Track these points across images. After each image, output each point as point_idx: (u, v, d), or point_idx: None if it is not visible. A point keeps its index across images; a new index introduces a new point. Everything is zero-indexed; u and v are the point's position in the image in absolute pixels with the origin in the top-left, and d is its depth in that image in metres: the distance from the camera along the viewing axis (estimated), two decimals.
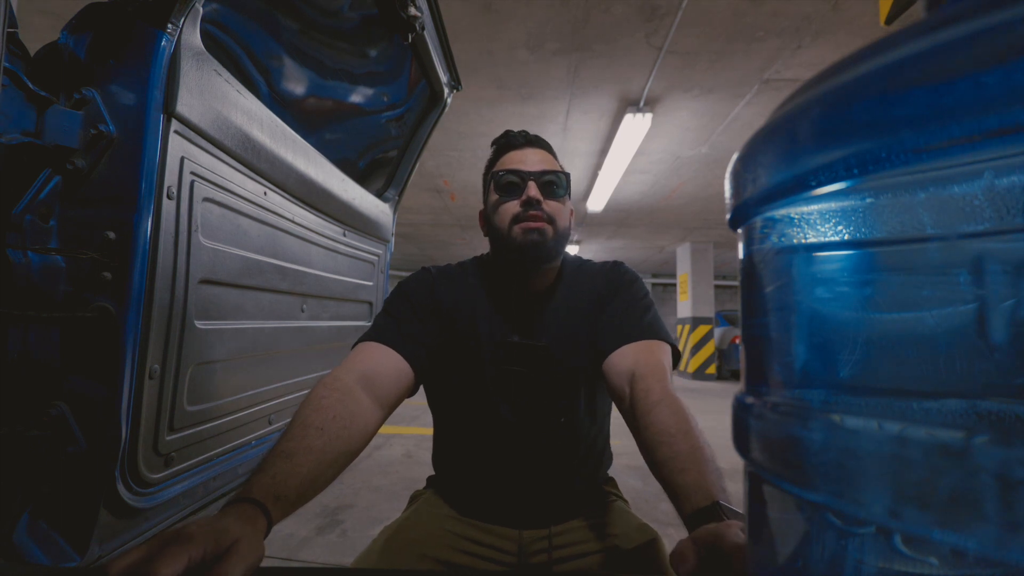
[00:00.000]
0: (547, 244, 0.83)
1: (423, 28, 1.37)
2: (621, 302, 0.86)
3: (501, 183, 0.85)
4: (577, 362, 0.86)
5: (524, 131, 0.91)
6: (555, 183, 0.85)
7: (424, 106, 1.72)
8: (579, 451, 0.89)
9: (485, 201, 0.91)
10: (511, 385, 0.85)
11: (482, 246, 10.19)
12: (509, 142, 0.90)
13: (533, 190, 0.83)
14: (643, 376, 0.72)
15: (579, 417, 0.88)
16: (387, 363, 0.77)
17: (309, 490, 0.58)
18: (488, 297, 0.89)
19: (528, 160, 0.86)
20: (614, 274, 0.91)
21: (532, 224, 0.82)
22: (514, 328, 0.87)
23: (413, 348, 0.80)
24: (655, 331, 0.81)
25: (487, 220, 0.90)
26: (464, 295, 0.89)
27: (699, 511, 0.53)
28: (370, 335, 0.81)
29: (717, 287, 12.64)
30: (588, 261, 0.96)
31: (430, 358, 0.83)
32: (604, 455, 0.96)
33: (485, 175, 0.92)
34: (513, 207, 0.84)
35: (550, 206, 0.84)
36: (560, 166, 0.90)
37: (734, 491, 0.49)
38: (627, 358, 0.77)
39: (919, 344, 0.21)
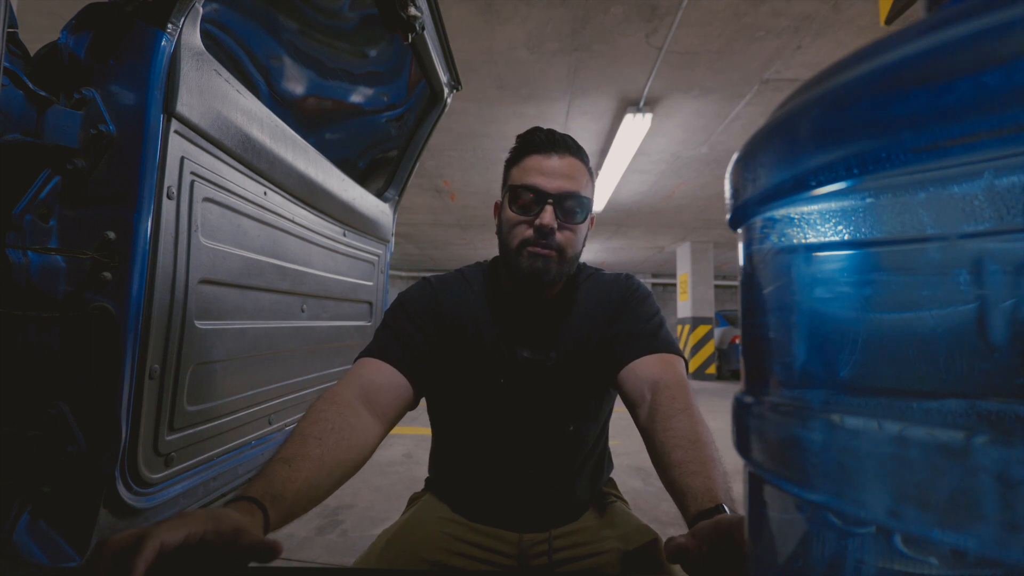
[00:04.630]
0: (551, 273, 0.81)
1: (423, 28, 1.37)
2: (635, 314, 0.86)
3: (517, 198, 0.81)
4: (584, 368, 0.86)
5: (552, 131, 0.83)
6: (575, 209, 0.81)
7: (424, 106, 1.72)
8: (581, 454, 0.89)
9: (503, 197, 0.88)
10: (516, 390, 0.85)
11: (483, 245, 10.19)
12: (533, 142, 0.83)
13: (548, 216, 0.79)
14: (668, 385, 0.74)
15: (582, 420, 0.88)
16: (386, 379, 0.77)
17: (306, 495, 0.58)
18: (493, 305, 0.88)
19: (551, 171, 0.80)
20: (628, 286, 0.91)
21: (539, 251, 0.80)
22: (522, 340, 0.86)
23: (412, 363, 0.80)
24: (671, 346, 0.82)
25: (499, 224, 0.87)
26: (467, 303, 0.88)
27: (704, 512, 0.55)
28: (370, 350, 0.81)
29: (717, 287, 12.63)
30: (599, 271, 0.95)
31: (431, 367, 0.83)
32: (605, 458, 0.96)
33: (506, 167, 0.88)
34: (525, 230, 0.81)
35: (564, 235, 0.81)
36: (588, 170, 0.85)
37: (736, 493, 0.50)
38: (650, 368, 0.78)
39: (919, 344, 0.21)
